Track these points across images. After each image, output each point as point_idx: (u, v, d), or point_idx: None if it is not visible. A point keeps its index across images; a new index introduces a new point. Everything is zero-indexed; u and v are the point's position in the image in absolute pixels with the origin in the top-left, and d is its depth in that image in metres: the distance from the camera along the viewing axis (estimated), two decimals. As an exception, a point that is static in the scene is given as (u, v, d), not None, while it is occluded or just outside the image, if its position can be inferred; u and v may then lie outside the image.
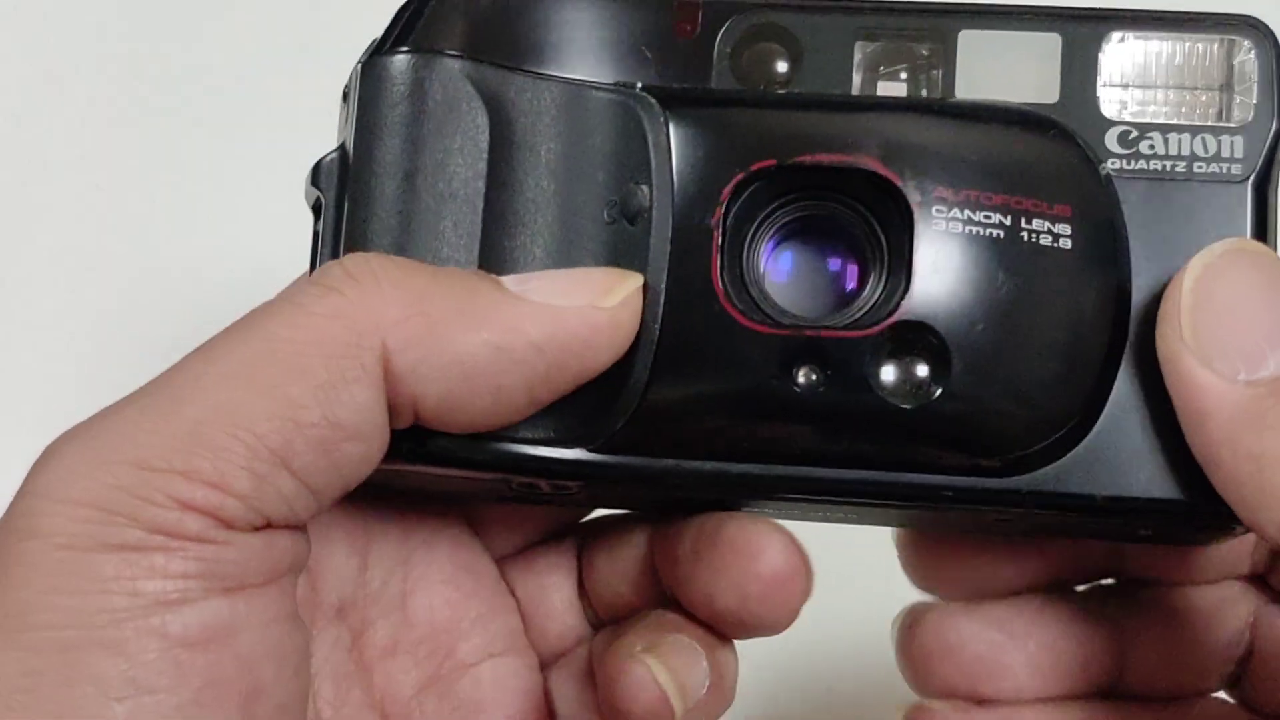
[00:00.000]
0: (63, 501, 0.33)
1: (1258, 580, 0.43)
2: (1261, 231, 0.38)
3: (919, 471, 0.37)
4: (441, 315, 0.35)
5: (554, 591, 0.43)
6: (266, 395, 0.33)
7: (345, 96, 0.40)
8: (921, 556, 0.43)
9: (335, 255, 0.38)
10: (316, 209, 0.40)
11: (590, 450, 0.38)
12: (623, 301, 0.36)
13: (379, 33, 0.40)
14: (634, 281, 0.37)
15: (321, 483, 0.35)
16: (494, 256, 0.38)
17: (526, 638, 0.43)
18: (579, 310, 0.36)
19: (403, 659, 0.41)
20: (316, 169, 0.40)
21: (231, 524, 0.33)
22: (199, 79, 0.66)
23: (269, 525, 0.34)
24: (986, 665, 0.42)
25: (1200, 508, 0.37)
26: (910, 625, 0.43)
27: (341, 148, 0.39)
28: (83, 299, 0.58)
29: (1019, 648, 0.42)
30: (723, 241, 0.37)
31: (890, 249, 0.37)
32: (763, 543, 0.39)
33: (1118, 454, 0.37)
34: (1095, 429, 0.37)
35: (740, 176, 0.37)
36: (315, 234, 0.40)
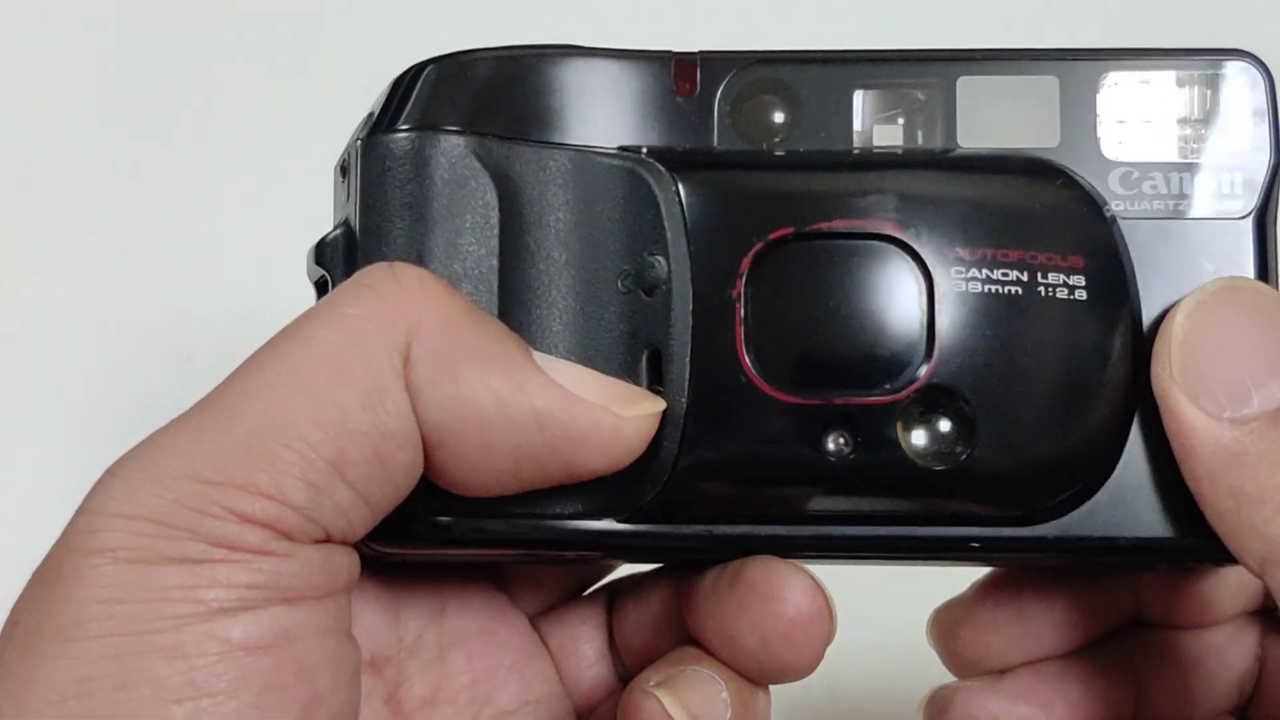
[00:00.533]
0: (122, 517, 0.33)
1: (1264, 613, 0.44)
2: (1263, 266, 0.38)
3: (950, 525, 0.38)
4: (465, 347, 0.35)
5: (585, 643, 0.43)
6: (315, 402, 0.33)
7: (344, 171, 0.39)
8: (949, 634, 0.44)
9: None
10: (321, 286, 0.39)
11: (619, 521, 0.38)
12: (638, 416, 0.36)
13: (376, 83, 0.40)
14: (655, 405, 0.37)
15: (377, 494, 0.35)
16: (512, 328, 0.37)
17: (562, 686, 0.43)
18: (591, 405, 0.36)
19: (443, 709, 0.41)
20: (321, 247, 0.39)
21: (291, 535, 0.33)
22: (201, 87, 0.65)
23: (328, 539, 0.34)
24: None
25: (1199, 544, 0.38)
26: (941, 706, 0.43)
27: (346, 225, 0.39)
28: (83, 302, 0.57)
29: (1049, 713, 0.43)
30: (745, 313, 0.37)
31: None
32: (785, 584, 0.38)
33: (1136, 495, 0.38)
34: (1115, 472, 0.38)
35: (759, 247, 0.37)
36: None
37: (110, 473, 0.34)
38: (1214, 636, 0.43)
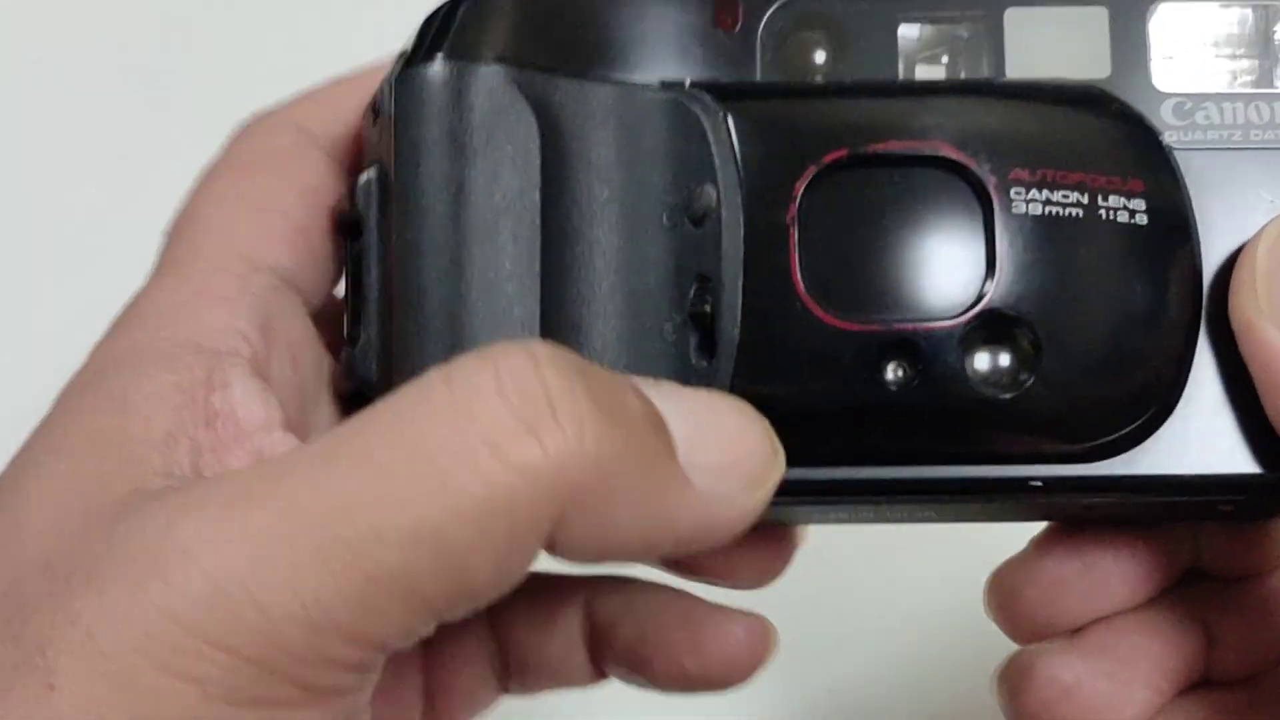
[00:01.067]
0: (222, 650, 0.29)
1: None
2: None
3: (1011, 464, 0.36)
4: (620, 493, 0.31)
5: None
6: (444, 559, 0.30)
7: (375, 110, 0.38)
8: (1012, 600, 0.43)
9: (384, 274, 0.37)
10: (353, 230, 0.38)
11: None
12: (765, 498, 0.33)
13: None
14: (777, 474, 0.33)
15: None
16: (554, 268, 0.36)
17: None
18: (730, 511, 0.32)
19: None
20: (352, 190, 0.38)
21: (366, 669, 0.31)
22: (202, 79, 0.66)
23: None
24: (1108, 698, 0.42)
25: (1276, 479, 0.37)
26: (1021, 675, 0.42)
27: (379, 164, 0.37)
28: (84, 302, 0.57)
29: (1133, 671, 0.42)
30: (799, 238, 0.35)
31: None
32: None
33: (1200, 431, 0.37)
34: (1177, 408, 0.37)
35: (813, 170, 0.36)
36: (354, 257, 0.38)
37: (190, 556, 0.29)
38: (1274, 581, 0.42)
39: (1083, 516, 0.41)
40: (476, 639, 0.42)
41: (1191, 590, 0.43)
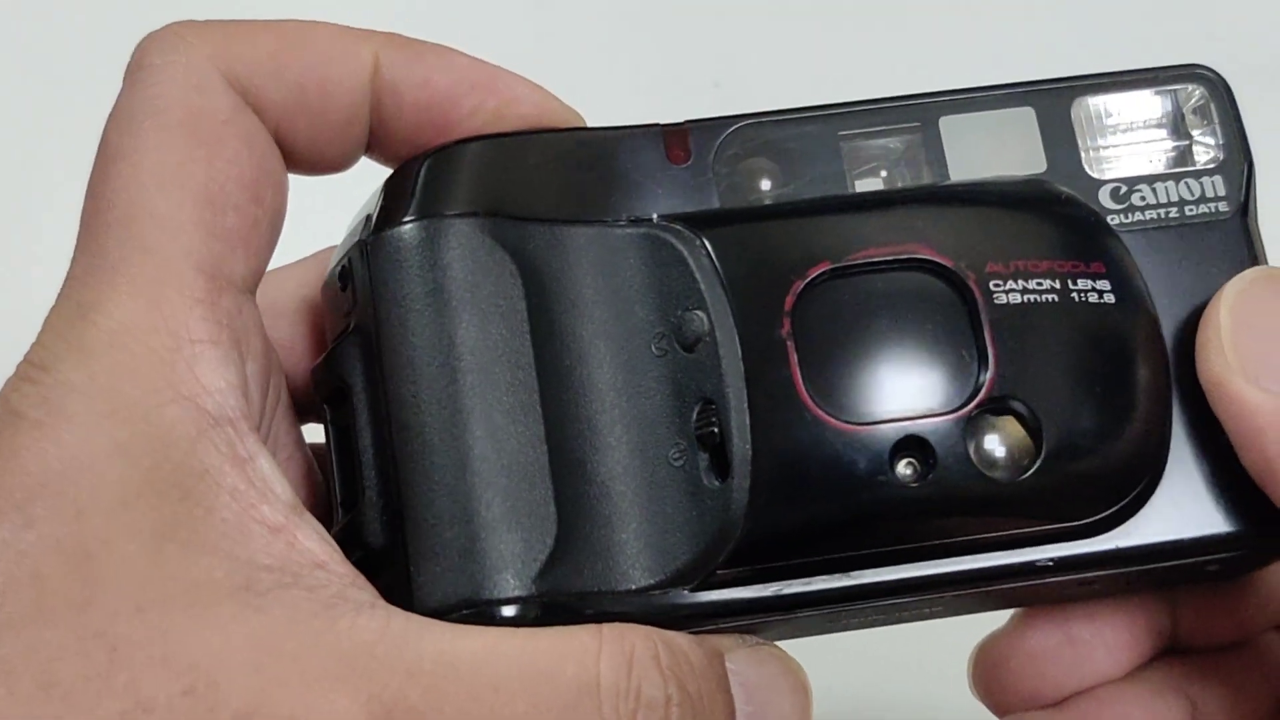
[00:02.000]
0: None
1: None
2: (1256, 260, 0.40)
3: (1017, 547, 0.37)
4: None
5: None
6: None
7: (344, 278, 0.38)
8: (996, 673, 0.43)
9: (382, 442, 0.36)
10: (336, 399, 0.38)
11: (690, 590, 0.36)
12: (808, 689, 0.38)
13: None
14: (802, 674, 0.38)
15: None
16: (554, 410, 0.36)
17: None
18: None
19: None
20: (331, 358, 0.37)
21: None
22: None
23: None
24: None
25: (1264, 531, 0.38)
26: None
27: (355, 329, 0.37)
28: None
29: None
30: (798, 349, 0.36)
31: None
32: None
33: (1186, 496, 0.38)
34: (1165, 474, 0.38)
35: (800, 285, 0.36)
36: (340, 425, 0.38)
37: None
38: (1254, 652, 0.43)
39: (1077, 595, 0.42)
40: None
41: (1173, 662, 0.43)
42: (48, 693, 0.30)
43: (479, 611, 0.34)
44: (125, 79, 0.36)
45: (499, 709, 0.32)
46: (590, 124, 0.40)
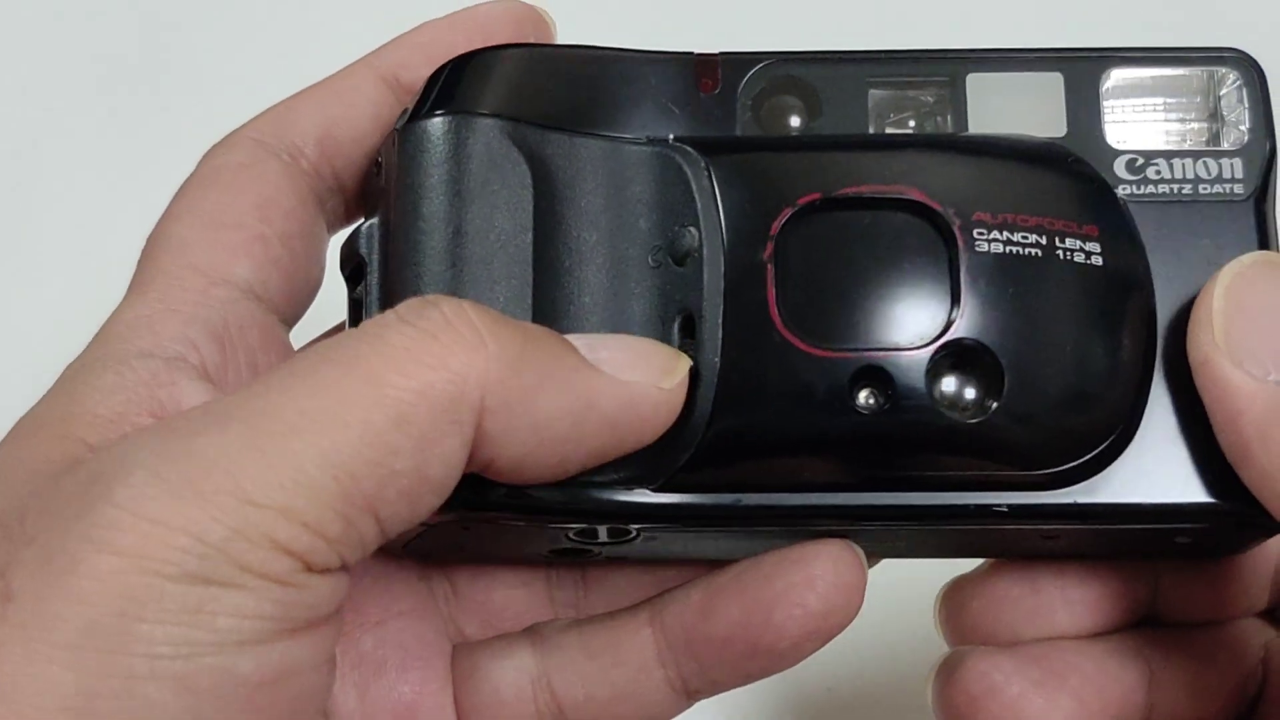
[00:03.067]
0: (154, 523, 0.32)
1: (1270, 615, 0.45)
2: (1265, 245, 0.40)
3: (975, 490, 0.38)
4: (534, 380, 0.35)
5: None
6: (369, 441, 0.33)
7: (377, 165, 0.41)
8: (958, 609, 0.44)
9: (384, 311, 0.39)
10: (355, 275, 0.40)
11: (653, 490, 0.38)
12: (679, 384, 0.37)
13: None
14: (685, 364, 0.37)
15: (396, 530, 0.34)
16: (545, 305, 0.38)
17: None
18: (646, 389, 0.36)
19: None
20: (355, 236, 0.40)
21: (314, 567, 0.33)
22: (204, 77, 0.67)
23: (342, 568, 0.34)
24: (1033, 704, 0.43)
25: (1234, 509, 0.39)
26: (951, 670, 0.43)
27: (381, 213, 0.40)
28: (84, 302, 0.58)
29: (1060, 684, 0.43)
30: (777, 274, 0.38)
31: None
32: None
33: (1156, 463, 0.39)
34: (1134, 440, 0.39)
35: (789, 211, 0.38)
36: (356, 300, 0.40)
37: (135, 463, 0.33)
38: (1224, 633, 0.44)
39: (1044, 550, 0.43)
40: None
41: (1139, 631, 0.44)
42: None
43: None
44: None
45: None
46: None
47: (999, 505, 0.38)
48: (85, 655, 0.31)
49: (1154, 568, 0.44)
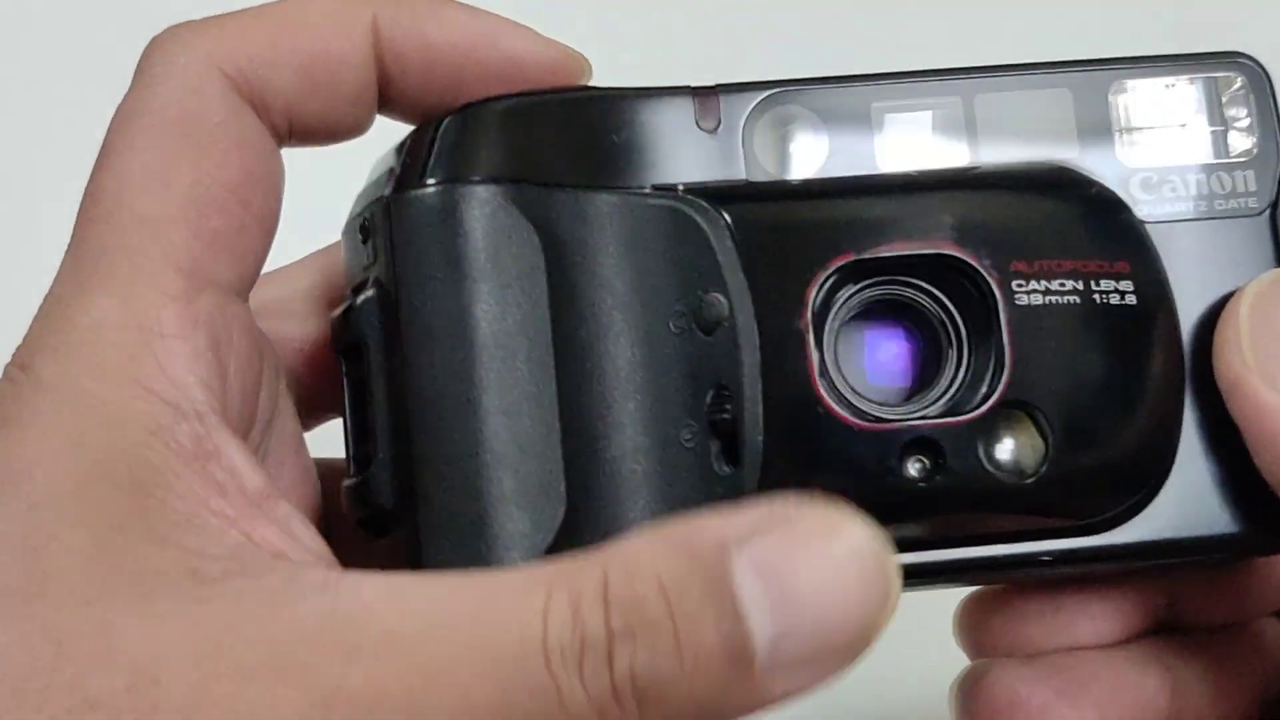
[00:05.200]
0: None
1: None
2: None
3: (1027, 540, 0.38)
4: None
5: None
6: None
7: (365, 232, 0.38)
8: (979, 624, 0.44)
9: (396, 405, 0.36)
10: (354, 352, 0.38)
11: None
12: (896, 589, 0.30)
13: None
14: (891, 559, 0.30)
15: None
16: (568, 381, 0.36)
17: None
18: (797, 690, 0.29)
19: None
20: (350, 313, 0.37)
21: None
22: None
23: None
24: (1054, 713, 0.43)
25: (1270, 534, 0.39)
26: (974, 683, 0.43)
27: (377, 284, 0.37)
28: None
29: (1083, 694, 0.43)
30: (814, 342, 0.36)
31: (972, 328, 0.37)
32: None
33: (1194, 495, 0.38)
34: (1172, 473, 0.38)
35: (822, 275, 0.36)
36: (355, 379, 0.38)
37: None
38: (1245, 635, 0.44)
39: (1085, 580, 0.42)
40: None
41: (1160, 638, 0.44)
42: None
43: None
44: (131, 82, 0.36)
45: (445, 683, 0.30)
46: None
47: (1043, 555, 0.38)
48: None
49: (1169, 576, 0.44)
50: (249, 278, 0.37)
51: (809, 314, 0.36)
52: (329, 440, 0.41)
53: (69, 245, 0.35)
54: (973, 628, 0.44)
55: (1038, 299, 0.37)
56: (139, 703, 0.30)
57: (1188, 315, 0.39)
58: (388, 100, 0.38)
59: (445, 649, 0.30)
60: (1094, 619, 0.43)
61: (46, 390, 0.33)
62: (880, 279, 0.37)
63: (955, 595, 0.45)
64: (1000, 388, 0.36)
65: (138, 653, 0.30)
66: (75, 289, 0.34)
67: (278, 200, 0.37)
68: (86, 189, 0.35)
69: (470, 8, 0.38)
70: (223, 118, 0.36)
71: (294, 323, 0.40)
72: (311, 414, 0.40)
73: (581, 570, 0.30)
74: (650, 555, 0.30)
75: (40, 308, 0.34)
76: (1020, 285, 0.37)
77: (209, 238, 0.35)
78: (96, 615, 0.30)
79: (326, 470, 0.40)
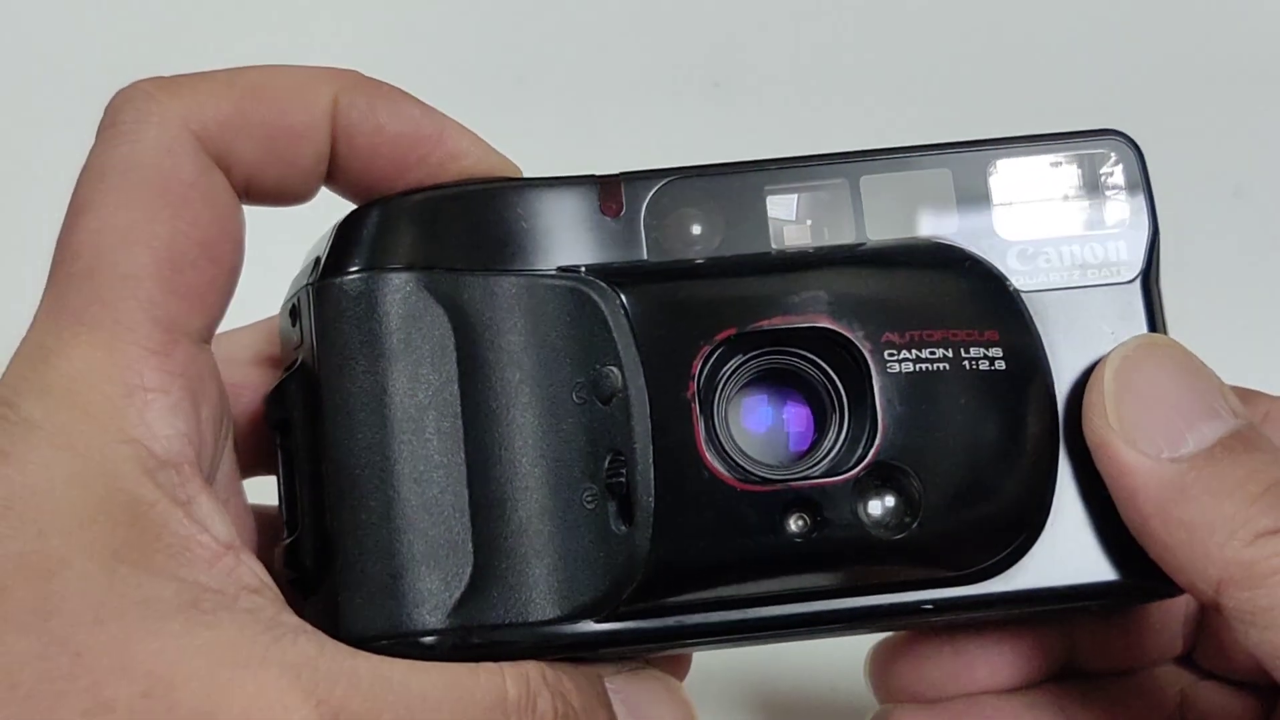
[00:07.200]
0: None
1: (1185, 660, 0.47)
2: (1154, 325, 0.42)
3: (903, 590, 0.40)
4: None
5: None
6: None
7: (294, 314, 0.41)
8: (886, 668, 0.46)
9: (317, 476, 0.39)
10: (283, 427, 0.41)
11: (597, 621, 0.40)
12: None
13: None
14: None
15: None
16: (477, 451, 0.39)
17: None
18: None
19: None
20: (279, 390, 0.41)
21: None
22: None
23: None
24: None
25: (1141, 583, 0.41)
26: None
27: (300, 366, 0.40)
28: None
29: None
30: (700, 411, 0.39)
31: (850, 394, 0.40)
32: None
33: (1068, 546, 0.41)
34: (1046, 526, 0.41)
35: (707, 349, 0.39)
36: (285, 450, 0.41)
37: None
38: (1142, 680, 0.46)
39: (969, 626, 0.45)
40: None
41: (1059, 683, 0.47)
42: (12, 693, 0.33)
43: (398, 642, 0.38)
44: (98, 134, 0.39)
45: (428, 716, 0.36)
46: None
47: (924, 603, 0.41)
48: None
49: (1069, 623, 0.46)
50: (214, 326, 0.40)
51: (695, 385, 0.39)
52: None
53: (47, 293, 0.38)
54: (879, 672, 0.47)
55: (909, 366, 0.40)
56: (155, 707, 0.33)
57: (1063, 378, 0.42)
58: (332, 175, 0.41)
59: (428, 688, 0.36)
60: (993, 665, 0.45)
61: (36, 428, 0.36)
62: (766, 350, 0.40)
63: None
64: (874, 449, 0.39)
65: (154, 663, 0.34)
66: (57, 339, 0.37)
67: (241, 254, 0.40)
68: (61, 239, 0.38)
69: (424, 104, 0.41)
70: (194, 178, 0.38)
71: (238, 369, 0.44)
72: (244, 470, 0.43)
73: (523, 664, 0.39)
74: (565, 667, 0.40)
75: (20, 349, 0.37)
76: (892, 355, 0.40)
77: (183, 292, 0.38)
78: (112, 632, 0.34)
79: (260, 517, 0.43)
